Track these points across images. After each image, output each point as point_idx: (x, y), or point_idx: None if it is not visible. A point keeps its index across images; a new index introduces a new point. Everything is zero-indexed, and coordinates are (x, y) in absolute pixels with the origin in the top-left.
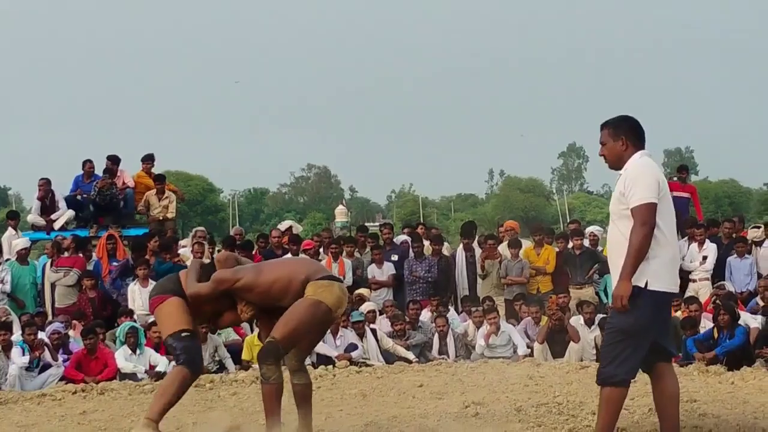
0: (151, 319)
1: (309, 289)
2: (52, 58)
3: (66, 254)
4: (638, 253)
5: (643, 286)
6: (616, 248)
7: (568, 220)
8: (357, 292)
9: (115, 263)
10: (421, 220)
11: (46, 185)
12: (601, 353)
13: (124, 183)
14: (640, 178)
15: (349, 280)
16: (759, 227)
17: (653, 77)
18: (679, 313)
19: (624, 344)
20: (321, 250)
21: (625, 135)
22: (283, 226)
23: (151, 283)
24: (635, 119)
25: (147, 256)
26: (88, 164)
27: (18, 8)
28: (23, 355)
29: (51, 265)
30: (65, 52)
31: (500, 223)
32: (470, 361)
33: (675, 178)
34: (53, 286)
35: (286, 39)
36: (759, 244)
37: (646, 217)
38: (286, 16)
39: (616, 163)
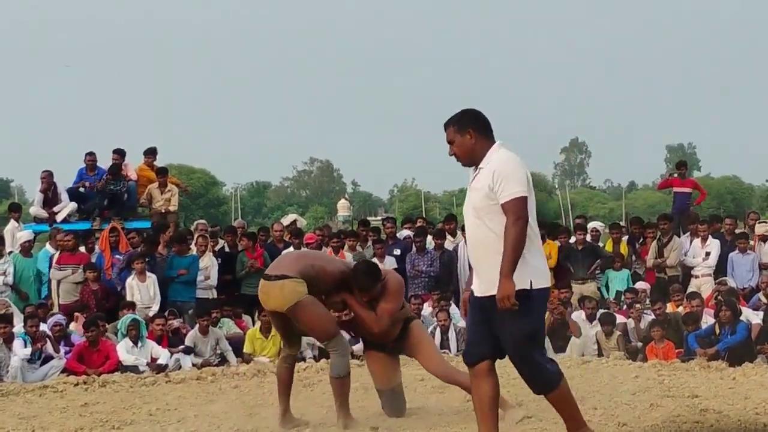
0: (152, 312)
1: None
2: (55, 49)
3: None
4: (517, 248)
5: (529, 287)
6: (485, 246)
7: (573, 215)
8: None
9: (117, 256)
10: (423, 215)
11: (48, 177)
12: (520, 370)
13: (127, 176)
14: (511, 172)
15: None
16: (766, 222)
17: (656, 73)
18: (681, 309)
19: (534, 352)
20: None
21: (471, 128)
22: (288, 219)
23: (149, 277)
24: (477, 110)
25: (159, 250)
26: (89, 157)
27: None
28: (25, 347)
29: (55, 262)
30: (68, 43)
31: None
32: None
33: (675, 175)
34: (58, 282)
35: (290, 32)
36: (765, 239)
37: (519, 210)
38: (290, 8)
39: (469, 158)
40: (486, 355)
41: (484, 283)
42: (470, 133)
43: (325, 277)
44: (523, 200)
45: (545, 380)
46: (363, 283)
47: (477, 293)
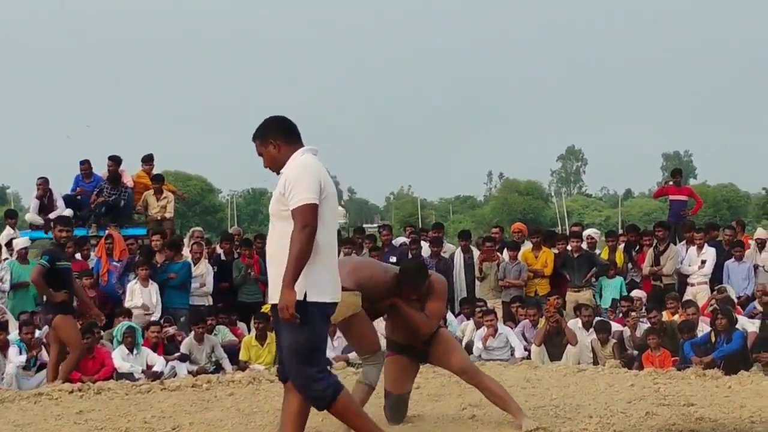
0: (155, 317)
1: None
2: (51, 58)
3: None
4: (300, 257)
5: (303, 299)
6: (274, 253)
7: (569, 223)
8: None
9: (114, 263)
10: (419, 222)
11: (44, 184)
12: (293, 383)
13: (122, 183)
14: (301, 178)
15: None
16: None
17: (652, 80)
18: (676, 317)
19: (306, 366)
20: None
21: (272, 138)
22: None
23: (152, 284)
24: (281, 117)
25: (156, 259)
26: (84, 165)
27: (16, 9)
28: (20, 354)
29: None
30: (65, 51)
31: (495, 225)
32: None
33: (670, 183)
34: None
35: (284, 39)
36: (762, 246)
37: (307, 218)
38: (283, 16)
39: (278, 167)
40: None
41: (273, 291)
42: (272, 143)
43: (378, 286)
44: (312, 208)
45: (317, 395)
46: (414, 281)
47: (270, 302)
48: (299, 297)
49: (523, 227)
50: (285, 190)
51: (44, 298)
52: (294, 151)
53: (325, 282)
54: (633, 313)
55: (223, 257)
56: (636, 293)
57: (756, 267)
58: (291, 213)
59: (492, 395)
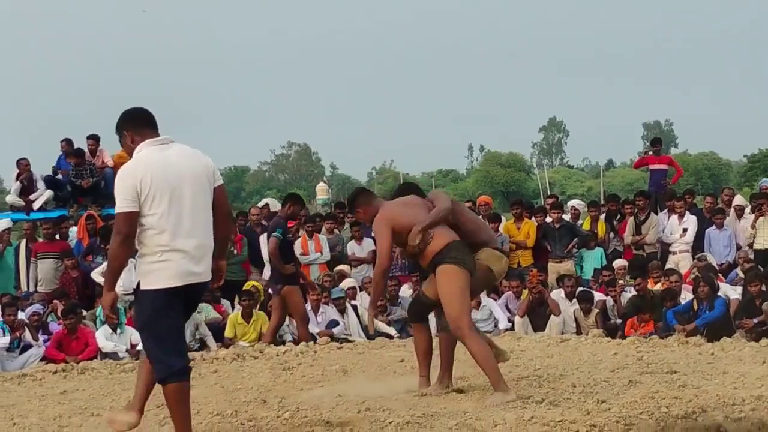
0: (132, 298)
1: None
2: (33, 37)
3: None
4: (113, 262)
5: (136, 286)
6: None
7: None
8: (337, 268)
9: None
10: None
11: (25, 165)
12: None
13: (103, 162)
14: (117, 186)
15: (326, 256)
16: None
17: (631, 50)
18: (659, 285)
19: (153, 344)
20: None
21: (125, 130)
22: (260, 204)
23: (132, 264)
24: (132, 109)
25: None
26: (64, 143)
27: None
28: (3, 335)
29: (32, 254)
30: (47, 30)
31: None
32: None
33: (650, 152)
34: (37, 270)
35: (266, 13)
36: (740, 215)
37: (119, 226)
38: None
39: None
40: None
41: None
42: (126, 135)
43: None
44: (123, 216)
45: (158, 372)
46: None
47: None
48: (134, 286)
49: (489, 200)
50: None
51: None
52: (142, 141)
53: (156, 270)
54: (620, 281)
55: None
56: (618, 263)
57: None
58: None
59: (477, 360)
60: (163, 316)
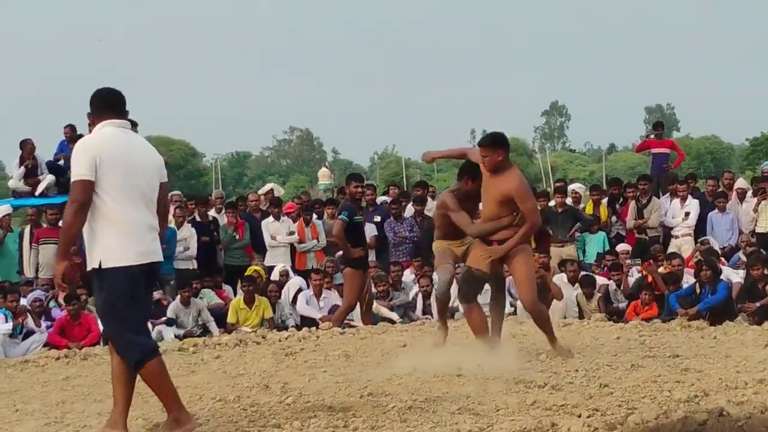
0: None
1: None
2: (37, 15)
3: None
4: (67, 230)
5: (98, 266)
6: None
7: (553, 179)
8: (339, 254)
9: None
10: (404, 181)
11: (29, 147)
12: (111, 344)
13: None
14: (75, 155)
15: (323, 242)
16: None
17: (634, 33)
18: (662, 269)
19: (117, 328)
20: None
21: (92, 112)
22: (265, 189)
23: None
24: (99, 90)
25: None
26: (67, 129)
27: None
28: (6, 322)
29: (35, 240)
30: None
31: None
32: (454, 321)
33: (652, 136)
34: (39, 257)
35: (265, 1)
36: (743, 198)
37: (76, 194)
38: None
39: None
40: None
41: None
42: (90, 117)
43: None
44: (79, 184)
45: (130, 355)
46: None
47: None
48: (95, 265)
49: None
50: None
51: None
52: (99, 123)
53: (116, 246)
54: (628, 261)
55: (198, 219)
56: (621, 247)
57: None
58: None
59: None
60: (130, 296)
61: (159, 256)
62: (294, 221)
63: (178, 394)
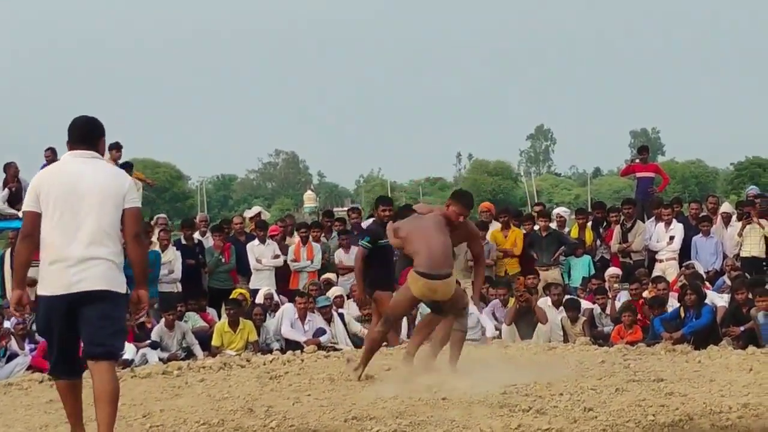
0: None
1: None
2: (20, 42)
3: None
4: (15, 259)
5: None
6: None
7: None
8: (324, 276)
9: None
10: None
11: (13, 170)
12: None
13: None
14: (28, 187)
15: (317, 264)
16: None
17: (619, 58)
18: (646, 293)
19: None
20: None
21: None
22: (251, 212)
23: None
24: (75, 119)
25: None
26: (48, 152)
27: None
28: None
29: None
30: (34, 36)
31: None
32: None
33: (637, 160)
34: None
35: (252, 25)
36: (727, 223)
37: (23, 225)
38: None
39: None
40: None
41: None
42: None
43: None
44: (25, 215)
45: (50, 368)
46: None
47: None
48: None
49: (490, 206)
50: None
51: None
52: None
53: (44, 277)
54: (616, 285)
55: (183, 242)
56: (611, 271)
57: None
58: None
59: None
60: (48, 321)
61: (85, 286)
62: (278, 244)
63: (80, 416)
